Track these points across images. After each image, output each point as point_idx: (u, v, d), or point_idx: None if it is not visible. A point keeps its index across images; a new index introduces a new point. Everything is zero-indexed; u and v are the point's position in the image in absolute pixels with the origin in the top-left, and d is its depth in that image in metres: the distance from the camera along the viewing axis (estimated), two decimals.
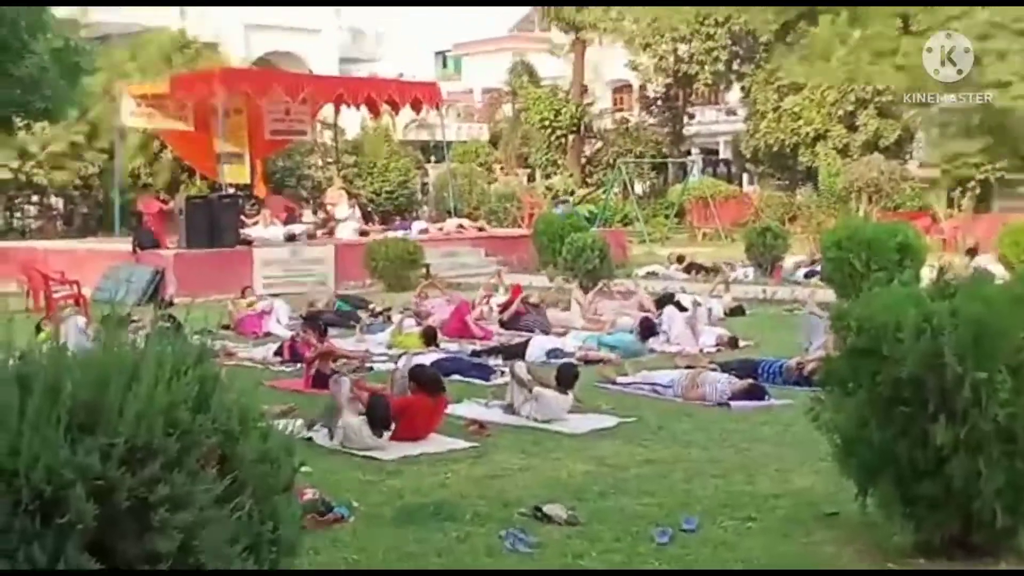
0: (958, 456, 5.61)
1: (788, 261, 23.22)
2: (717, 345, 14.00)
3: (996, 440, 5.57)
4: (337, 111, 30.88)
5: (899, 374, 5.73)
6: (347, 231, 25.55)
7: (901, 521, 6.02)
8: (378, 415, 8.89)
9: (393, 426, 8.91)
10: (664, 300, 16.25)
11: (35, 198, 34.01)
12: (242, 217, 24.13)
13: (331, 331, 14.13)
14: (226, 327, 15.93)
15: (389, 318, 16.25)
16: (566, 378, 10.20)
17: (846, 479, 6.33)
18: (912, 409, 5.74)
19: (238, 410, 3.80)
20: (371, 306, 17.54)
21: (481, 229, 28.44)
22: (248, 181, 28.12)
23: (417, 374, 9.75)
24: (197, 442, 3.56)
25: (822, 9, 41.24)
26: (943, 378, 5.61)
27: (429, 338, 14.08)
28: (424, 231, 26.58)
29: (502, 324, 15.97)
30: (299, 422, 8.65)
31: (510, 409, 10.17)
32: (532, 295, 16.85)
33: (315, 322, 13.76)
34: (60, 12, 20.62)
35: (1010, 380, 5.55)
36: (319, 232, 25.57)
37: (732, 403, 10.52)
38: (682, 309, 15.18)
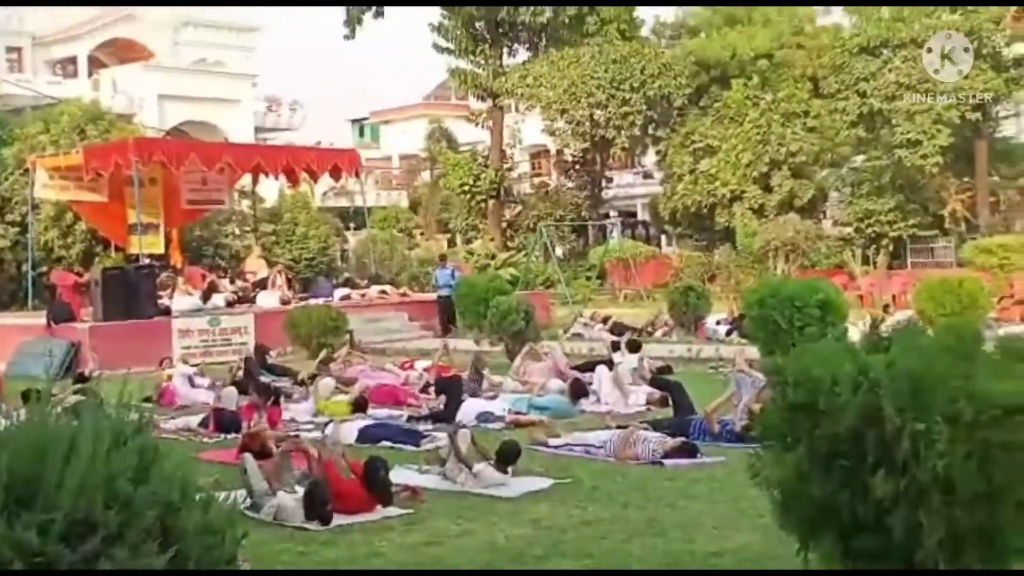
0: (899, 508, 5.60)
1: (709, 319, 23.46)
2: (647, 404, 14.03)
3: (936, 491, 5.57)
4: (255, 180, 30.69)
5: (837, 428, 5.73)
6: (269, 299, 25.28)
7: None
8: (315, 505, 8.59)
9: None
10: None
11: None
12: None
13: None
14: (148, 399, 15.61)
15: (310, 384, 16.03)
16: (508, 456, 10.05)
17: (786, 535, 6.29)
18: (852, 463, 5.73)
19: (179, 481, 3.68)
20: (300, 376, 17.30)
21: (404, 294, 28.33)
22: (163, 251, 27.78)
23: (371, 476, 9.07)
24: (138, 514, 3.43)
25: (734, 73, 42.17)
26: (882, 431, 5.62)
27: (358, 407, 13.89)
28: (346, 297, 26.39)
29: (427, 389, 15.81)
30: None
31: (443, 468, 10.02)
32: (483, 363, 16.43)
33: (267, 388, 13.61)
34: None
35: (947, 431, 5.57)
36: (238, 301, 25.25)
37: (665, 461, 10.51)
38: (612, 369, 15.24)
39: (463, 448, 10.06)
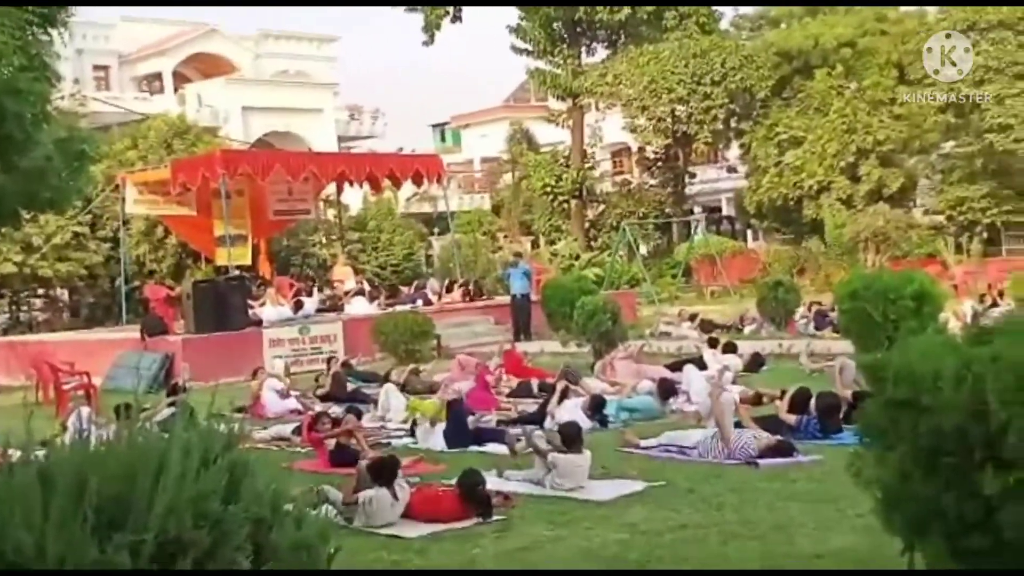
0: (1009, 506, 5.40)
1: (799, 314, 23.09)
2: (741, 402, 13.78)
3: None
4: (340, 189, 30.89)
5: (941, 424, 5.55)
6: (357, 306, 25.42)
7: None
8: (384, 469, 8.87)
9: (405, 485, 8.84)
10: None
11: (40, 291, 33.93)
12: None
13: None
14: (239, 410, 15.70)
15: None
16: (570, 437, 9.99)
17: (889, 535, 6.11)
18: (957, 459, 5.54)
19: (270, 497, 3.63)
20: (387, 372, 17.52)
21: (488, 297, 28.27)
22: (249, 262, 28.05)
23: (468, 489, 8.96)
24: (230, 533, 3.39)
25: (817, 63, 41.52)
26: (988, 426, 5.42)
27: (453, 408, 13.86)
28: (429, 303, 26.48)
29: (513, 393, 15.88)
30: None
31: (530, 473, 9.99)
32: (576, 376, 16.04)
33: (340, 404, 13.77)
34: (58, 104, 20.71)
35: None
36: (326, 310, 25.45)
37: (760, 461, 10.31)
38: (702, 367, 15.05)
39: (540, 444, 10.08)
